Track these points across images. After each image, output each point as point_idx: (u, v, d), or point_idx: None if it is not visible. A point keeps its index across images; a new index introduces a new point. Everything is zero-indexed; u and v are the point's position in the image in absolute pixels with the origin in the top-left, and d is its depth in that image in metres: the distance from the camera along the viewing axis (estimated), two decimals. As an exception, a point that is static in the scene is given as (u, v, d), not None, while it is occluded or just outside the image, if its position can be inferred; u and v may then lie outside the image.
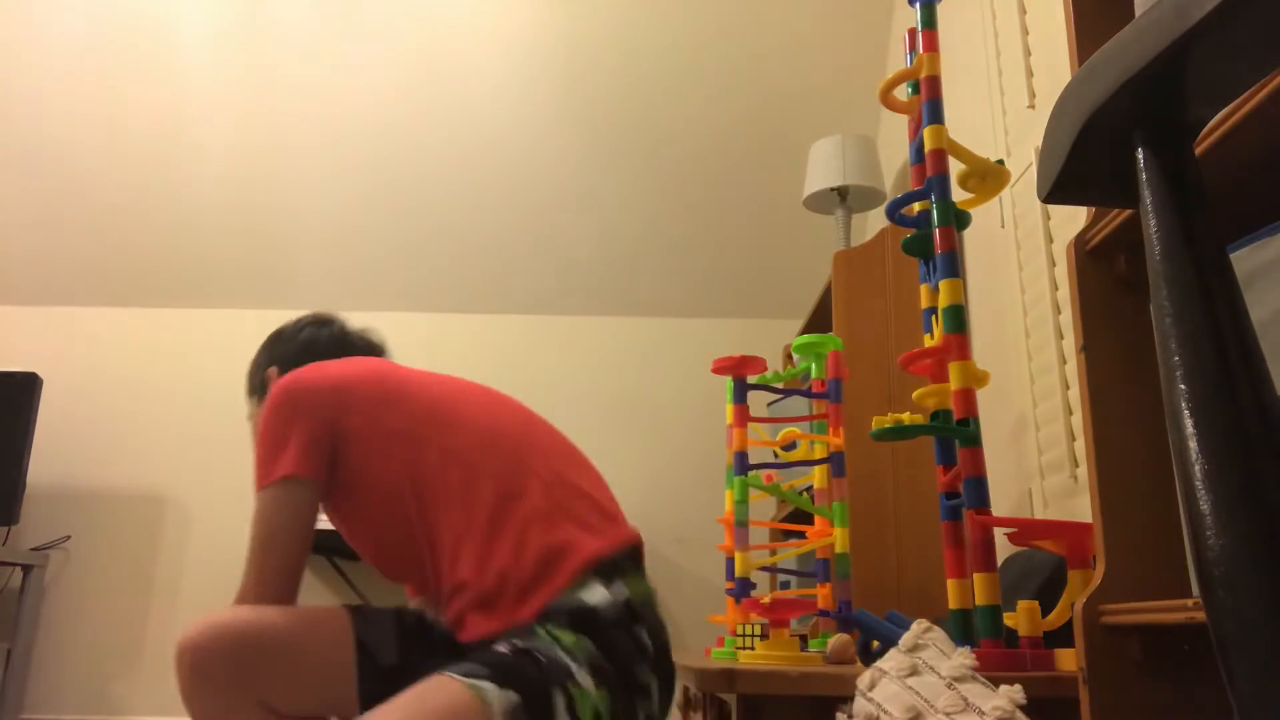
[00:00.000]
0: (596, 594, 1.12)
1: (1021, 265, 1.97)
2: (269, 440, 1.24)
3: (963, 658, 0.99)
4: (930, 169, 1.43)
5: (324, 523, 2.90)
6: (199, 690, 1.11)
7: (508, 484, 1.20)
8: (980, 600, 1.26)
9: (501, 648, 1.08)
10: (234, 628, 1.12)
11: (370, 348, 1.55)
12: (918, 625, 1.06)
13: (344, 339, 1.52)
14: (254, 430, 1.41)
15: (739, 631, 1.74)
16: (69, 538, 3.37)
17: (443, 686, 1.02)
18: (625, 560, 1.19)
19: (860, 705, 1.02)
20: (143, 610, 3.31)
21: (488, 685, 1.02)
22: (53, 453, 3.43)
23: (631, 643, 1.11)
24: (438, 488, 1.22)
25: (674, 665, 1.20)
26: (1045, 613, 1.27)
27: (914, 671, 1.00)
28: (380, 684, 1.15)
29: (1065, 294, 1.79)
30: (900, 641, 1.06)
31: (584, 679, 1.06)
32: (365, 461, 1.25)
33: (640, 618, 1.13)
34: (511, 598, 1.14)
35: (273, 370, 1.48)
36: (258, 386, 1.51)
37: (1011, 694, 0.94)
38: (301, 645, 1.14)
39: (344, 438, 1.26)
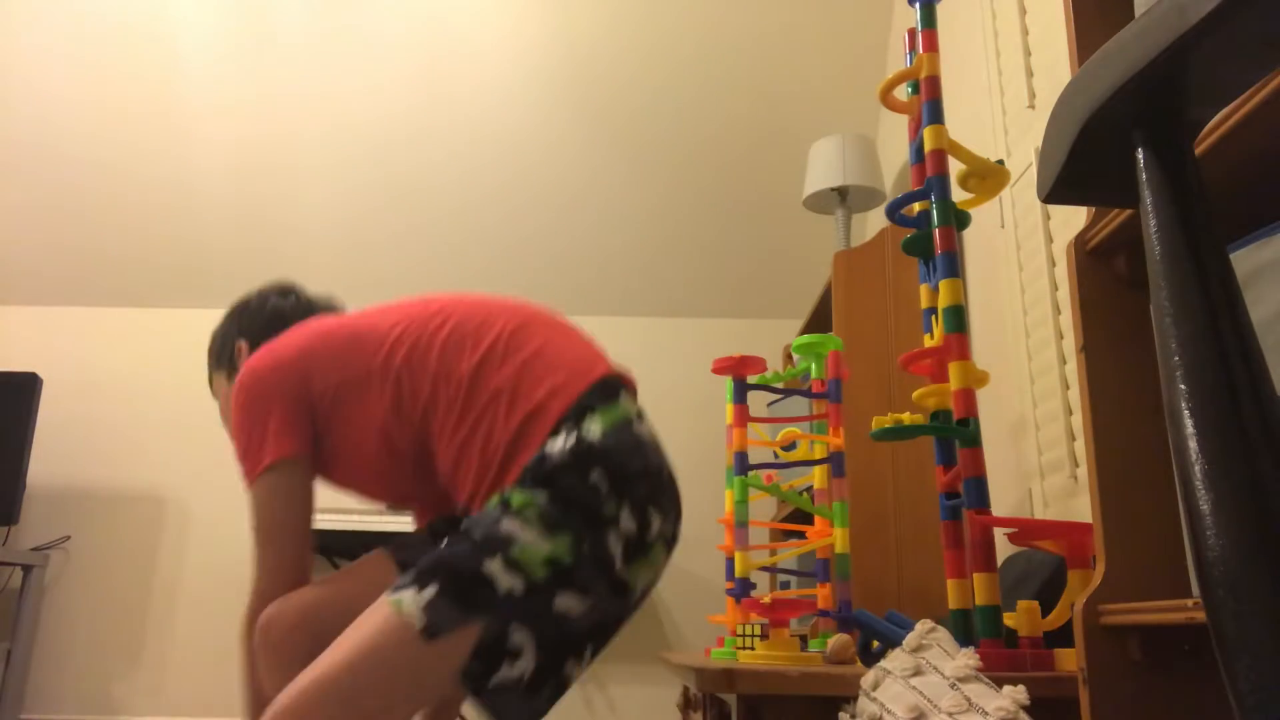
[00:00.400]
0: (555, 444, 1.12)
1: (1021, 265, 1.97)
2: (247, 432, 1.24)
3: (966, 658, 0.99)
4: (930, 169, 1.43)
5: (323, 523, 2.90)
6: (283, 668, 1.14)
7: (473, 378, 1.20)
8: (980, 600, 1.26)
9: (445, 544, 1.09)
10: (306, 604, 1.17)
11: (334, 311, 1.54)
12: (921, 625, 1.06)
13: (309, 307, 1.52)
14: (225, 413, 1.48)
15: (739, 631, 1.74)
16: (69, 538, 3.37)
17: (374, 609, 1.04)
18: (593, 397, 1.17)
19: (864, 705, 1.02)
20: (143, 610, 3.31)
21: (406, 593, 1.03)
22: (53, 453, 3.43)
23: (582, 485, 1.10)
24: (418, 412, 1.22)
25: (663, 476, 1.19)
26: (1045, 613, 1.27)
27: (918, 671, 1.00)
28: None
29: (1065, 294, 1.79)
30: (904, 641, 1.06)
31: (529, 535, 1.06)
32: (347, 417, 1.26)
33: (596, 456, 1.12)
34: (494, 482, 1.16)
35: (242, 344, 1.48)
36: (225, 359, 1.50)
37: (1015, 694, 0.94)
38: (362, 599, 1.13)
39: (318, 402, 1.26)
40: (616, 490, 1.11)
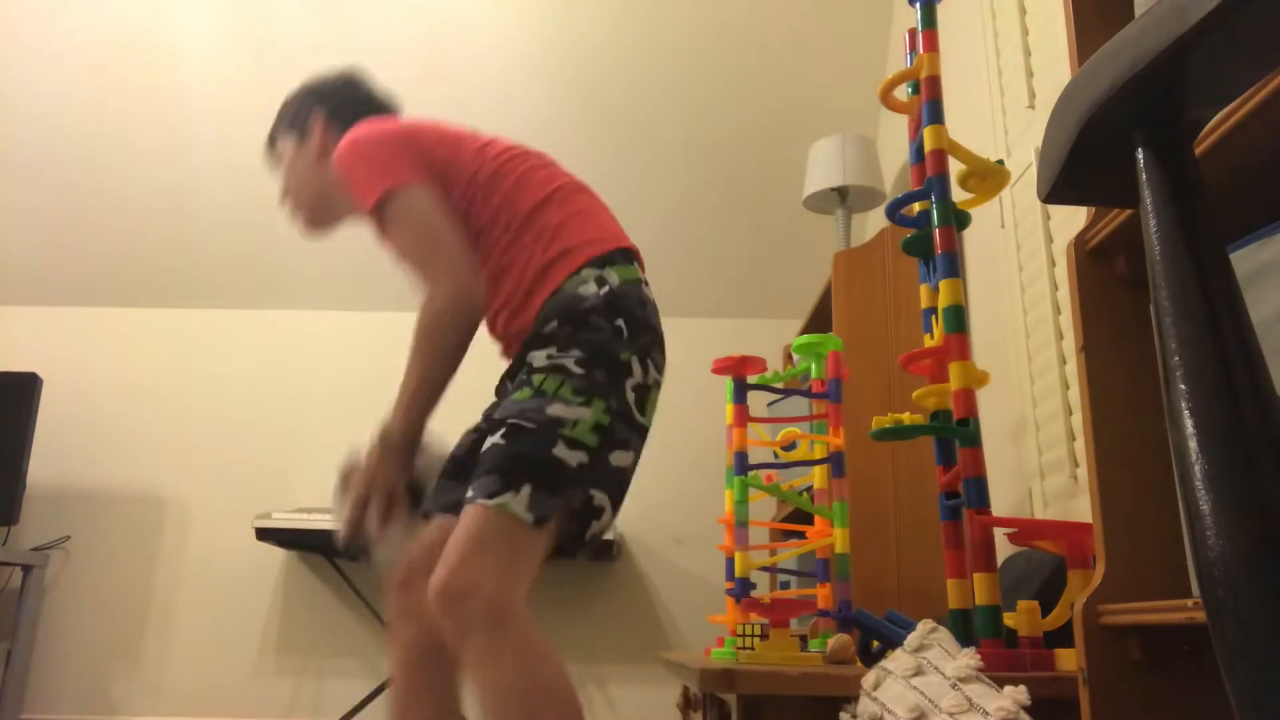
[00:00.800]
0: (587, 288, 1.29)
1: (1021, 265, 1.97)
2: (377, 158, 1.36)
3: (967, 658, 1.00)
4: (930, 169, 1.43)
5: (323, 523, 2.90)
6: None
7: (528, 215, 1.37)
8: (980, 600, 1.26)
9: (497, 438, 1.22)
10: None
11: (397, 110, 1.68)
12: (923, 625, 1.06)
13: (385, 103, 1.68)
14: (293, 177, 1.58)
15: (739, 632, 1.74)
16: (69, 538, 3.37)
17: (476, 516, 1.16)
18: (616, 256, 1.36)
19: (865, 705, 1.02)
20: (143, 610, 3.31)
21: (505, 497, 1.16)
22: (53, 453, 3.43)
23: (610, 328, 1.27)
24: (476, 226, 1.39)
25: (658, 333, 1.38)
26: (1045, 613, 1.27)
27: (919, 671, 1.00)
28: None
29: (1065, 294, 1.79)
30: (905, 641, 1.06)
31: (572, 411, 1.21)
32: (453, 160, 1.41)
33: (619, 303, 1.29)
34: (522, 299, 1.35)
35: (320, 112, 1.57)
36: (298, 124, 1.58)
37: (1016, 695, 0.94)
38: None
39: (442, 171, 1.39)
40: (630, 338, 1.28)
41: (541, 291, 1.32)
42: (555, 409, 1.21)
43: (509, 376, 1.41)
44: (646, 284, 1.39)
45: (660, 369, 1.36)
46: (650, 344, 1.32)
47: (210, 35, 3.13)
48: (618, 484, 1.26)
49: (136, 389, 3.52)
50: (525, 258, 1.35)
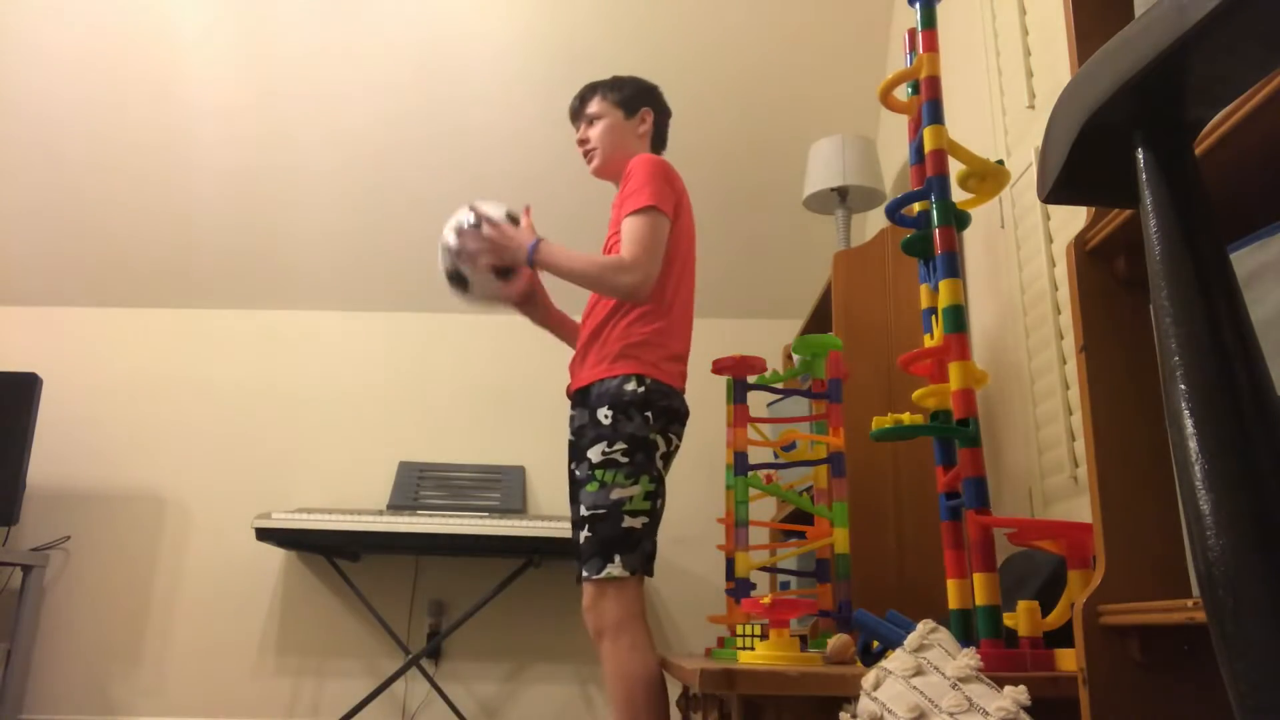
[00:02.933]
0: (630, 383, 1.79)
1: (1021, 265, 1.97)
2: (661, 184, 1.87)
3: (968, 658, 0.99)
4: (930, 169, 1.43)
5: (323, 523, 2.90)
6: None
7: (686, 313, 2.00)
8: (980, 600, 1.26)
9: (586, 531, 1.76)
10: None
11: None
12: (923, 625, 1.06)
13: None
14: (602, 123, 2.02)
15: (739, 632, 1.74)
16: (69, 538, 3.37)
17: (589, 590, 1.73)
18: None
19: (865, 704, 1.02)
20: (143, 610, 3.31)
21: (610, 568, 1.69)
22: (53, 453, 3.44)
23: (640, 418, 1.78)
24: (684, 287, 1.98)
25: (676, 410, 1.86)
26: (1045, 613, 1.27)
27: (919, 671, 1.00)
28: None
29: (1065, 294, 1.79)
30: (905, 641, 1.06)
31: (628, 491, 1.74)
32: (675, 242, 1.93)
33: (648, 401, 1.79)
34: (594, 359, 1.87)
35: (649, 112, 2.07)
36: (626, 101, 2.04)
37: (1016, 695, 0.94)
38: None
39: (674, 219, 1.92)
40: (654, 421, 1.77)
41: (596, 371, 1.82)
42: (616, 494, 1.72)
43: (591, 424, 1.82)
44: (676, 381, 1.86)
45: (680, 436, 1.85)
46: (668, 424, 1.80)
47: (210, 36, 3.13)
48: (659, 522, 1.79)
49: (136, 389, 3.52)
50: (612, 337, 1.84)
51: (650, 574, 1.76)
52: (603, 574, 1.67)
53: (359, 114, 3.25)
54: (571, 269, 1.81)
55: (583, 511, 1.74)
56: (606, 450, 1.74)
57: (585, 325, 1.92)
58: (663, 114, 2.12)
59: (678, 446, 1.85)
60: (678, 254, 1.92)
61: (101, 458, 3.45)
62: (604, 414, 1.76)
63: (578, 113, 2.08)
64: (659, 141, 2.13)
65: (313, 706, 3.22)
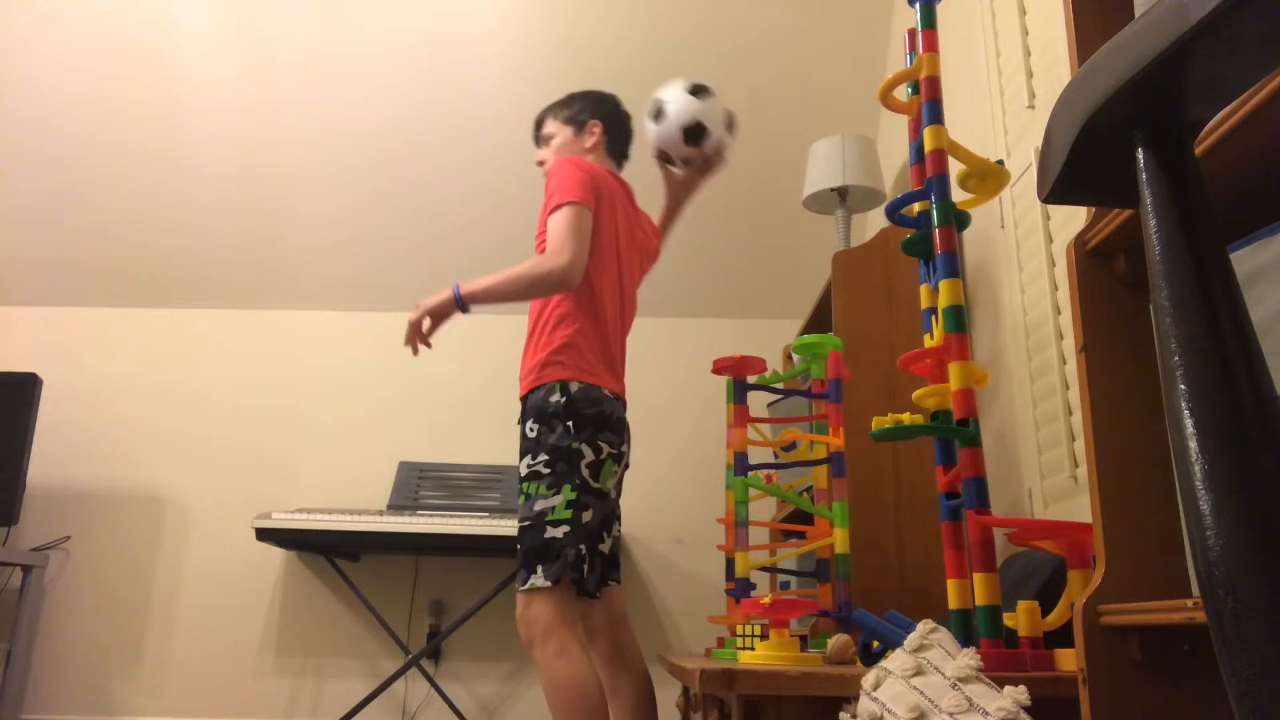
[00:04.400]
0: (554, 394, 1.80)
1: (1021, 265, 1.97)
2: (574, 179, 1.84)
3: (968, 658, 0.99)
4: (930, 169, 1.43)
5: (323, 523, 2.90)
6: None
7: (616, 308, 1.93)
8: (980, 600, 1.26)
9: (518, 542, 1.79)
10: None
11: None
12: (923, 626, 1.06)
13: (623, 149, 2.17)
14: (549, 143, 2.06)
15: (739, 632, 1.74)
16: (69, 538, 3.37)
17: (524, 605, 1.73)
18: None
19: (865, 704, 1.02)
20: (143, 610, 3.31)
21: (533, 579, 1.72)
22: (53, 453, 3.44)
23: (562, 429, 1.79)
24: (613, 273, 1.92)
25: (602, 418, 1.82)
26: (1045, 613, 1.27)
27: (919, 671, 1.00)
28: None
29: (1065, 294, 1.79)
30: (905, 641, 1.06)
31: (549, 502, 1.76)
32: (597, 231, 1.89)
33: (570, 410, 1.79)
34: (526, 369, 1.88)
35: (597, 124, 2.08)
36: (573, 116, 2.07)
37: (1016, 695, 0.94)
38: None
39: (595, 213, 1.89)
40: (577, 432, 1.77)
41: (527, 381, 1.85)
42: (539, 505, 1.75)
43: (521, 437, 1.86)
44: (604, 387, 1.84)
45: (612, 443, 1.81)
46: (597, 431, 1.79)
47: (210, 37, 3.13)
48: (590, 534, 1.78)
49: (136, 389, 3.52)
50: (539, 346, 1.85)
51: (582, 585, 1.75)
52: (527, 585, 1.70)
53: (358, 114, 3.25)
54: (501, 285, 1.78)
55: (519, 524, 1.78)
56: (531, 463, 1.77)
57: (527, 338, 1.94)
58: (616, 121, 2.11)
59: (614, 454, 1.82)
60: (598, 252, 1.88)
61: (101, 458, 3.45)
62: (529, 427, 1.80)
63: (536, 138, 2.12)
64: (617, 145, 2.13)
65: (313, 706, 3.22)
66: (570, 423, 1.77)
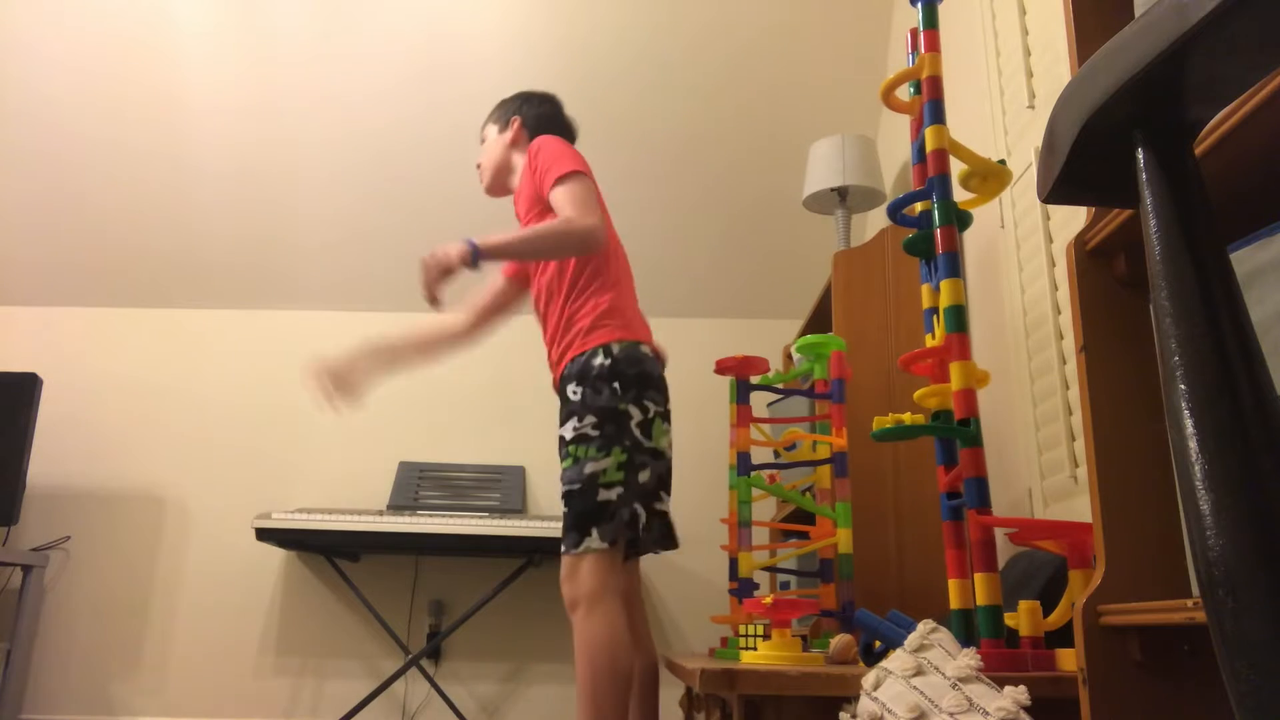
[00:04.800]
0: (597, 357, 1.80)
1: (1021, 265, 1.97)
2: (568, 153, 1.88)
3: (968, 658, 0.99)
4: (932, 169, 1.43)
5: (323, 523, 2.90)
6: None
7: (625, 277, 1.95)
8: (981, 600, 1.26)
9: (565, 507, 1.76)
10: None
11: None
12: (924, 625, 1.06)
13: (568, 127, 2.17)
14: (490, 154, 2.09)
15: (741, 632, 1.74)
16: (69, 538, 3.37)
17: (569, 563, 1.70)
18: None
19: (865, 704, 1.02)
20: (143, 610, 3.31)
21: (588, 540, 1.71)
22: (53, 453, 3.44)
23: (609, 390, 1.78)
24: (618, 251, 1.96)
25: (648, 376, 1.82)
26: (1048, 613, 1.27)
27: (919, 671, 1.00)
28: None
29: (1065, 294, 1.79)
30: (906, 641, 1.06)
31: (600, 464, 1.73)
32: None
33: (616, 371, 1.79)
34: (562, 349, 1.88)
35: (515, 118, 2.09)
36: (505, 122, 2.09)
37: (1016, 695, 0.94)
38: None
39: None
40: (624, 392, 1.75)
41: (572, 350, 1.83)
42: (590, 468, 1.72)
43: (563, 402, 1.85)
44: (644, 343, 1.85)
45: (658, 401, 1.81)
46: (642, 391, 1.78)
47: (210, 39, 3.13)
48: (646, 494, 1.77)
49: (136, 389, 3.52)
50: (580, 315, 1.85)
51: (637, 545, 1.77)
52: (580, 548, 1.68)
53: (358, 115, 3.25)
54: (524, 241, 1.77)
55: (561, 489, 1.76)
56: (578, 426, 1.75)
57: (547, 321, 1.92)
58: (537, 113, 2.11)
59: (662, 411, 1.82)
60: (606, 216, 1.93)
61: (101, 458, 3.45)
62: (572, 390, 1.78)
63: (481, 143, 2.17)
64: (542, 129, 2.10)
65: (313, 706, 3.22)
66: (616, 384, 1.76)
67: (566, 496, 1.73)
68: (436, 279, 1.76)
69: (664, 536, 1.84)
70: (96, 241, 3.46)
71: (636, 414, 1.76)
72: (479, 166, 2.12)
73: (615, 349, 1.79)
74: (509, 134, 2.09)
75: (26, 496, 3.32)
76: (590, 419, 1.74)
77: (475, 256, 1.74)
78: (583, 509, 1.70)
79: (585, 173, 1.85)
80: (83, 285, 3.56)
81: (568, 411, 1.78)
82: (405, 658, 3.17)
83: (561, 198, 1.81)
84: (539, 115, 2.11)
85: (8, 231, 3.44)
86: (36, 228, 3.43)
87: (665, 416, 1.83)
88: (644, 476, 1.75)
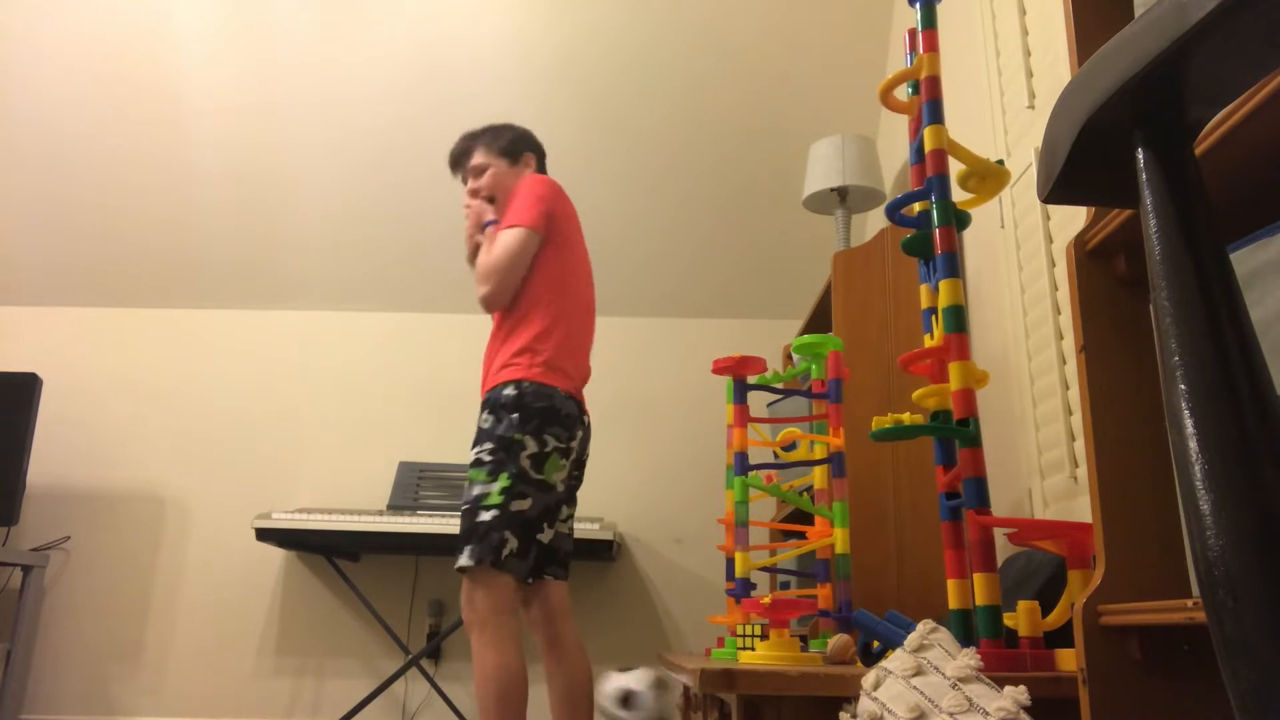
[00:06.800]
0: (508, 389, 1.94)
1: (1021, 265, 1.97)
2: (531, 199, 2.00)
3: (968, 658, 0.99)
4: (930, 169, 1.43)
5: (323, 523, 2.90)
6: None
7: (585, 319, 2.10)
8: (980, 600, 1.26)
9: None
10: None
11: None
12: (923, 625, 1.06)
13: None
14: (481, 174, 2.13)
15: (739, 632, 1.74)
16: (69, 538, 3.37)
17: (463, 582, 1.84)
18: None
19: (865, 704, 1.02)
20: (143, 610, 3.31)
21: (462, 559, 1.84)
22: (53, 453, 3.44)
23: (509, 421, 1.92)
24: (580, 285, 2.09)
25: (550, 411, 1.95)
26: (1046, 613, 1.27)
27: (919, 671, 1.00)
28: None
29: (1065, 294, 1.79)
30: (905, 641, 1.06)
31: (486, 487, 1.88)
32: (552, 255, 2.05)
33: (519, 404, 1.93)
34: (492, 372, 2.04)
35: (530, 155, 2.19)
36: (506, 148, 2.16)
37: (1016, 695, 0.94)
38: None
39: (555, 226, 2.05)
40: (523, 424, 1.89)
41: (490, 382, 1.99)
42: (476, 490, 1.87)
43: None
44: (561, 389, 1.97)
45: (560, 438, 1.93)
46: (544, 425, 1.90)
47: (211, 39, 3.13)
48: (525, 523, 1.87)
49: (136, 389, 3.52)
50: (502, 350, 1.99)
51: (506, 568, 1.83)
52: (457, 565, 1.81)
53: (358, 116, 3.25)
54: (484, 255, 1.98)
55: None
56: (476, 451, 1.89)
57: (490, 343, 2.08)
58: (542, 156, 2.25)
59: (561, 448, 1.93)
60: (555, 267, 2.03)
61: (101, 458, 3.45)
62: (483, 418, 1.93)
63: (458, 163, 2.21)
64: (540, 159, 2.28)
65: (313, 706, 3.22)
66: (516, 415, 1.89)
67: (460, 515, 1.87)
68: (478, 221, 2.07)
69: (549, 564, 1.98)
70: (96, 241, 3.46)
71: (532, 446, 1.88)
72: (477, 194, 2.15)
73: (526, 385, 1.92)
74: (525, 169, 2.20)
75: (26, 496, 3.32)
76: (488, 445, 1.88)
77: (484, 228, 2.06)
78: (463, 528, 1.83)
79: (535, 225, 2.00)
80: (83, 285, 3.56)
81: (476, 436, 1.92)
82: (405, 658, 3.17)
83: (496, 249, 2.00)
84: (541, 165, 2.27)
85: (8, 231, 3.44)
86: (36, 228, 3.43)
87: (565, 453, 1.94)
88: (523, 505, 1.85)
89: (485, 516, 1.82)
